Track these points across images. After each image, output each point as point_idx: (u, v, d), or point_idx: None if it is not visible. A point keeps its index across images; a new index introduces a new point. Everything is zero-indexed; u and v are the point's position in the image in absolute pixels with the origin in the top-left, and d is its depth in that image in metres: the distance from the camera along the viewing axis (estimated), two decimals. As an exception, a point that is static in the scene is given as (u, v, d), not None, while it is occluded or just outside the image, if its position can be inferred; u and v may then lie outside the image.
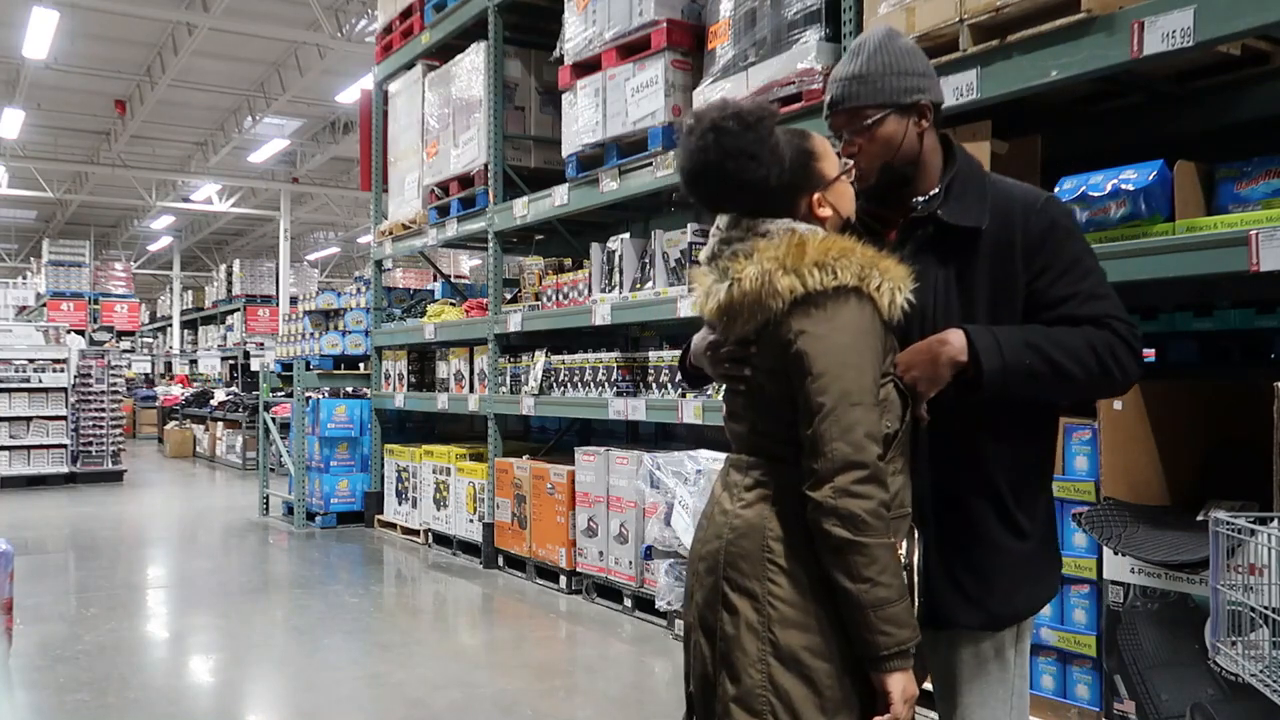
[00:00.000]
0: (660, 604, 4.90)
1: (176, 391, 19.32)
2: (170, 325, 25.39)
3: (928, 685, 2.05)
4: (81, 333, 17.22)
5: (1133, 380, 1.81)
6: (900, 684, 1.61)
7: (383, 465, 8.26)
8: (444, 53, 7.33)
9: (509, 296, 7.04)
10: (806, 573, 1.66)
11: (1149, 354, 4.54)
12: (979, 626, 1.84)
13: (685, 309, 4.88)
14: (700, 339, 1.92)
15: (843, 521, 1.59)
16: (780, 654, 1.66)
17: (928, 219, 1.85)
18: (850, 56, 1.89)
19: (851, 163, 1.83)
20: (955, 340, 1.74)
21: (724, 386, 1.86)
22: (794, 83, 4.19)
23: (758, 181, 1.71)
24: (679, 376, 5.14)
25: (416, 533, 7.63)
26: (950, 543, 1.84)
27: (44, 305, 19.59)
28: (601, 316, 5.52)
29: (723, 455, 4.83)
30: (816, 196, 1.77)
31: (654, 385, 5.44)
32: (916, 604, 1.72)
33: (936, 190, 1.87)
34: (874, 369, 1.65)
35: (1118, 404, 3.04)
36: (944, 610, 1.83)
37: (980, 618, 1.82)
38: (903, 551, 1.71)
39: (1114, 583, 3.02)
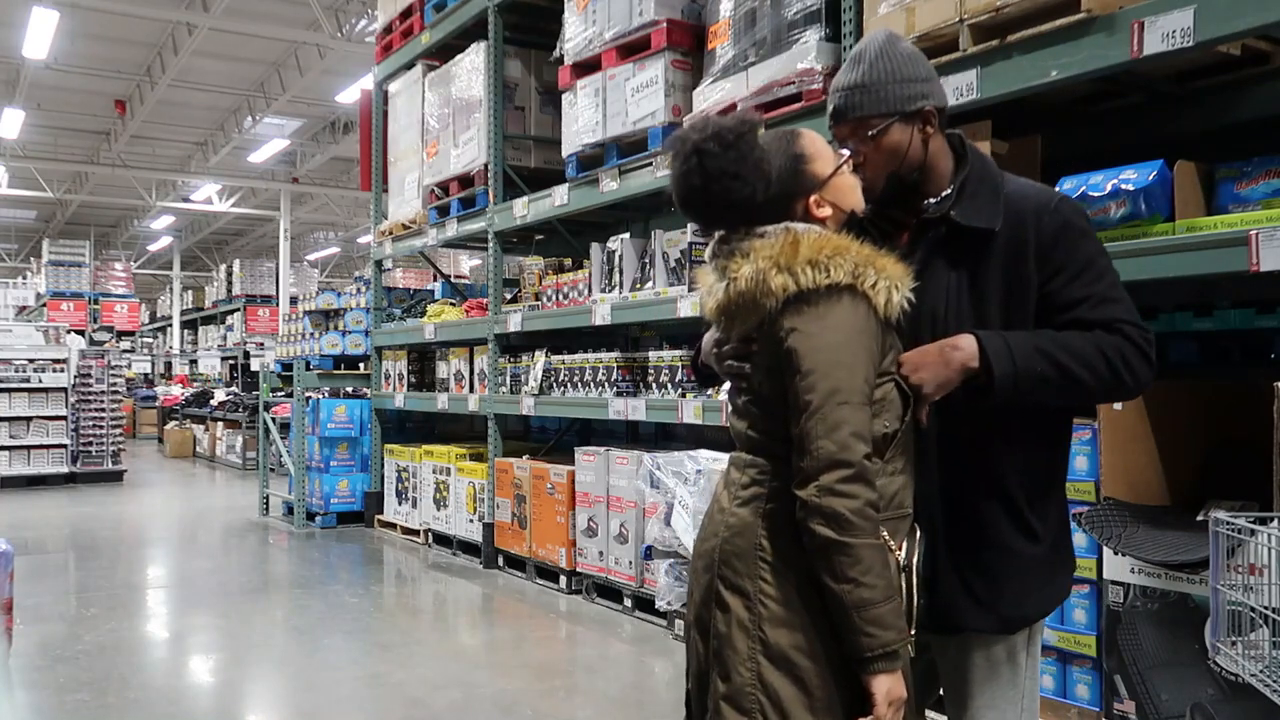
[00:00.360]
0: (660, 604, 4.90)
1: (176, 391, 19.32)
2: (170, 325, 25.39)
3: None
4: (81, 333, 17.22)
5: (1145, 386, 1.79)
6: (885, 686, 1.60)
7: (383, 465, 8.26)
8: (444, 53, 7.33)
9: (509, 296, 7.04)
10: (797, 572, 1.66)
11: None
12: (990, 630, 1.83)
13: (685, 309, 4.88)
14: (710, 337, 1.93)
15: (827, 521, 1.59)
16: (770, 652, 1.66)
17: (940, 220, 1.84)
18: (851, 65, 1.86)
19: (848, 154, 1.81)
20: (966, 345, 1.74)
21: (727, 385, 1.86)
22: (794, 83, 4.19)
23: (744, 200, 1.72)
24: (680, 375, 5.17)
25: (416, 533, 7.63)
26: (960, 546, 1.83)
27: (44, 305, 19.59)
28: (601, 316, 5.52)
29: (723, 455, 4.83)
30: (814, 198, 1.76)
31: (654, 385, 5.43)
32: (915, 606, 1.71)
33: (948, 191, 1.85)
34: (866, 368, 1.64)
35: (1117, 405, 3.04)
36: (955, 614, 1.83)
37: (991, 621, 1.82)
38: (901, 553, 1.70)
39: (1114, 583, 3.02)
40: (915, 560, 1.72)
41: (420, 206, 7.55)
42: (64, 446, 11.79)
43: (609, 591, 5.53)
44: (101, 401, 12.12)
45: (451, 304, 7.85)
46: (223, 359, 20.33)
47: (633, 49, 5.19)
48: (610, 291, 5.66)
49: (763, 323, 1.70)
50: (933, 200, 1.86)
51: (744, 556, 1.71)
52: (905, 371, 1.73)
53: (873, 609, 1.58)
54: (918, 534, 1.77)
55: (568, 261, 6.68)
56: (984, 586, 1.81)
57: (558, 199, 5.90)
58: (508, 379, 6.61)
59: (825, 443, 1.60)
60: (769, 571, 1.68)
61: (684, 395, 5.12)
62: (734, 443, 1.85)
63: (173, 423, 17.43)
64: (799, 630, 1.65)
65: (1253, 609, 2.15)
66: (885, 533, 1.66)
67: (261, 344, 17.22)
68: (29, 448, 11.63)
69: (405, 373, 8.09)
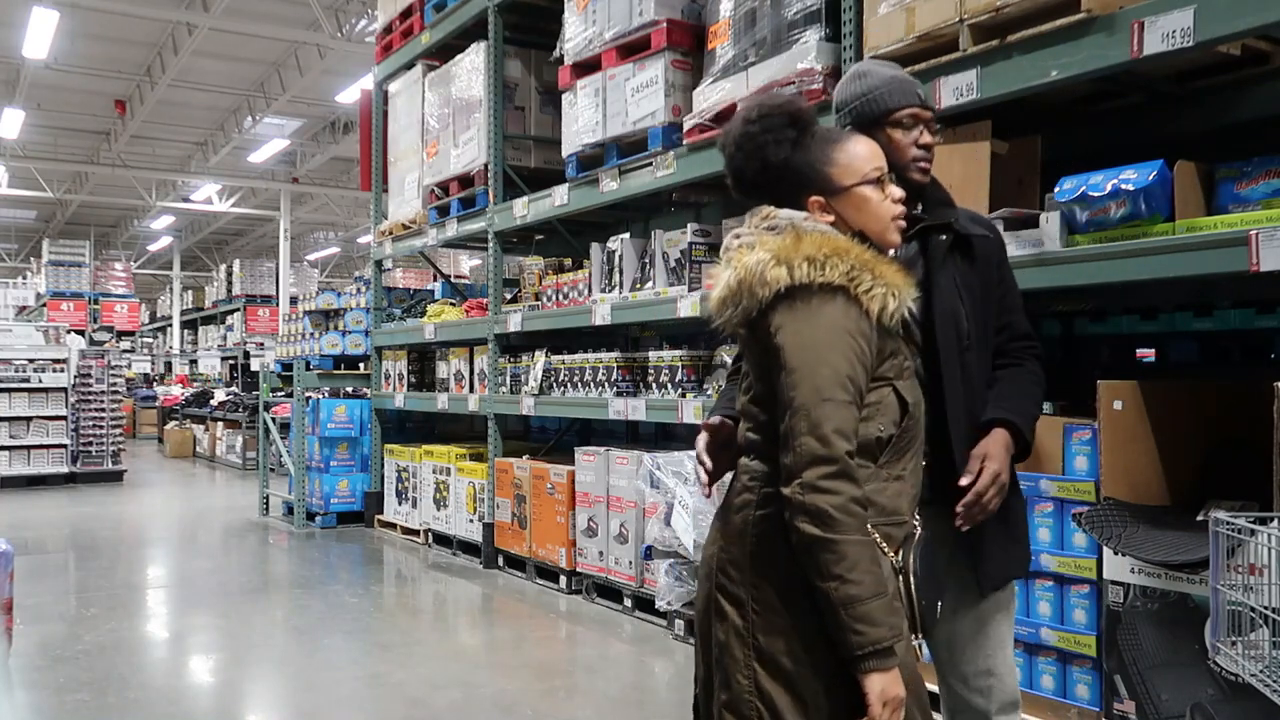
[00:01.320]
0: (660, 604, 4.90)
1: (176, 391, 19.31)
2: (170, 325, 25.38)
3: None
4: (81, 333, 17.21)
5: None
6: (878, 685, 1.58)
7: (383, 465, 8.25)
8: (444, 53, 7.33)
9: (509, 296, 7.04)
10: (790, 578, 1.65)
11: (1149, 354, 4.55)
12: (1022, 576, 2.27)
13: (685, 309, 4.88)
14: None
15: (811, 518, 1.58)
16: (765, 660, 1.66)
17: (943, 227, 2.06)
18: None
19: (886, 170, 1.83)
20: (1007, 439, 2.09)
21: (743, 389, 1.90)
22: (794, 83, 4.19)
23: (736, 171, 1.85)
24: (680, 375, 5.17)
25: (416, 533, 7.63)
26: (992, 518, 2.08)
27: (44, 305, 19.58)
28: (601, 316, 5.52)
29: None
30: (815, 199, 1.79)
31: (654, 385, 5.43)
32: (917, 609, 1.72)
33: (918, 209, 2.12)
34: (851, 367, 1.64)
35: (1118, 404, 3.04)
36: (1003, 572, 2.13)
37: (1023, 568, 2.22)
38: (896, 559, 1.70)
39: (1114, 583, 3.01)
40: (912, 563, 1.73)
41: (420, 206, 7.55)
42: (64, 446, 11.78)
43: (609, 591, 5.53)
44: (101, 401, 12.12)
45: (451, 304, 7.85)
46: (223, 359, 20.32)
47: (633, 49, 5.19)
48: (610, 291, 5.66)
49: (750, 315, 1.70)
50: (916, 210, 2.11)
51: (738, 564, 1.71)
52: (983, 466, 2.00)
53: (859, 605, 1.57)
54: (916, 537, 1.78)
55: (568, 261, 6.67)
56: (1015, 541, 2.17)
57: (558, 199, 5.90)
58: (508, 379, 6.61)
59: (808, 439, 1.60)
60: (761, 578, 1.68)
61: (684, 395, 5.12)
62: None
63: (173, 423, 17.43)
64: (794, 637, 1.65)
65: (1253, 609, 2.15)
66: (877, 536, 1.66)
67: (261, 344, 17.21)
68: (29, 448, 11.62)
69: (405, 373, 8.09)
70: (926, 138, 2.08)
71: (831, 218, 1.78)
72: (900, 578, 1.70)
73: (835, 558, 1.57)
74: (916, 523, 1.86)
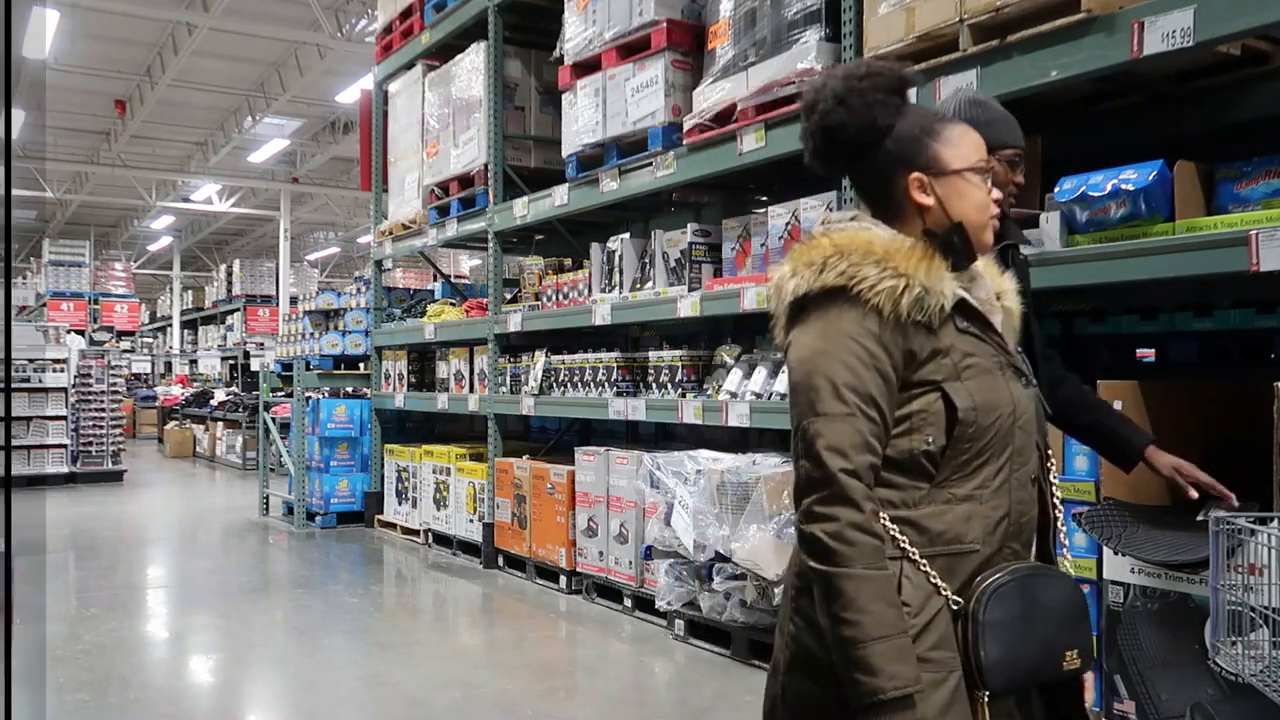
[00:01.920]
0: (660, 604, 4.90)
1: (176, 391, 19.31)
2: (170, 325, 25.38)
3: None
4: (81, 333, 17.21)
5: None
6: None
7: (383, 465, 8.25)
8: (444, 53, 7.33)
9: (509, 296, 7.04)
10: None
11: (1149, 354, 4.55)
12: None
13: (685, 309, 4.88)
14: None
15: (808, 549, 1.45)
16: (791, 696, 1.60)
17: (1015, 247, 2.18)
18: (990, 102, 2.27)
19: (988, 166, 1.69)
20: None
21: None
22: (794, 83, 4.19)
23: (836, 126, 1.61)
24: (680, 375, 5.17)
25: (416, 533, 7.63)
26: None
27: (44, 305, 19.58)
28: (601, 316, 5.52)
29: (723, 455, 4.82)
30: (917, 176, 1.60)
31: (654, 385, 5.43)
32: (979, 658, 1.48)
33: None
34: (855, 375, 1.48)
35: (1118, 404, 3.04)
36: None
37: None
38: (954, 597, 1.51)
39: (1114, 583, 3.01)
40: (979, 604, 1.49)
41: (420, 206, 7.55)
42: (64, 446, 11.78)
43: (609, 591, 5.53)
44: (101, 401, 12.12)
45: (451, 304, 7.85)
46: (223, 359, 20.32)
47: (633, 49, 5.19)
48: (610, 291, 5.66)
49: (781, 330, 1.64)
50: None
51: (789, 589, 1.63)
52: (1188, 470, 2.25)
53: (855, 649, 1.40)
54: (999, 573, 1.53)
55: (568, 261, 6.67)
56: None
57: (558, 199, 5.90)
58: (508, 379, 6.61)
59: (803, 462, 1.48)
60: (798, 610, 1.58)
61: (684, 395, 5.12)
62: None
63: (173, 423, 17.43)
64: (816, 674, 1.53)
65: (1253, 609, 2.15)
66: (933, 571, 1.50)
67: (261, 344, 17.21)
68: (29, 448, 11.62)
69: (405, 373, 8.09)
70: (1020, 178, 2.24)
71: (931, 200, 1.60)
72: (960, 622, 1.49)
73: (832, 593, 1.42)
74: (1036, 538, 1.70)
